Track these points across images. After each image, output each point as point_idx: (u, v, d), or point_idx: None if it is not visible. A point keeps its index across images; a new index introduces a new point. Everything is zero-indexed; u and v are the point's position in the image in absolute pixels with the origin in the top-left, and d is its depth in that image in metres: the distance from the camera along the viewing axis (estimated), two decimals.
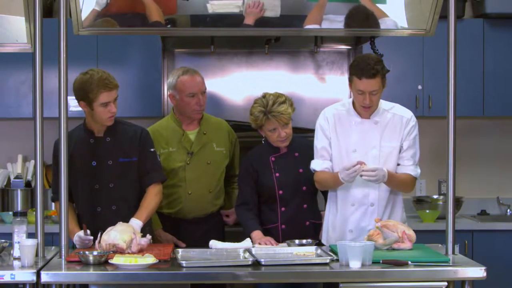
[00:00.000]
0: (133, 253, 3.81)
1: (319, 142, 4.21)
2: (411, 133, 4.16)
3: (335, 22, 4.20)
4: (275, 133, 4.29)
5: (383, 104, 4.18)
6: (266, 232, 4.29)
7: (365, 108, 4.09)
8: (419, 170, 4.20)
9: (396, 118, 4.16)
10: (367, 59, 4.01)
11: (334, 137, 4.18)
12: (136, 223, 4.04)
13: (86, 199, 4.22)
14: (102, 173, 4.19)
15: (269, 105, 4.25)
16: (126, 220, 4.03)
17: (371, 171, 3.96)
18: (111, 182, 4.20)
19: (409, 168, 4.15)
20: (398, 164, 4.16)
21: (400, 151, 4.15)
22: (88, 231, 4.01)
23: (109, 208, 4.20)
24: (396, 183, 4.12)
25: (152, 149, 4.28)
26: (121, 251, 3.82)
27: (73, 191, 4.18)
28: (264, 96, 4.31)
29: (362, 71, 3.98)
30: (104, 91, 4.05)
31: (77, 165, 4.16)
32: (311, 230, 4.37)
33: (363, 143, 4.13)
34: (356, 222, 4.16)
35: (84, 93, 4.07)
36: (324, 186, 4.26)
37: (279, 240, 4.26)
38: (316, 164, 4.21)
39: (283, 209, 4.37)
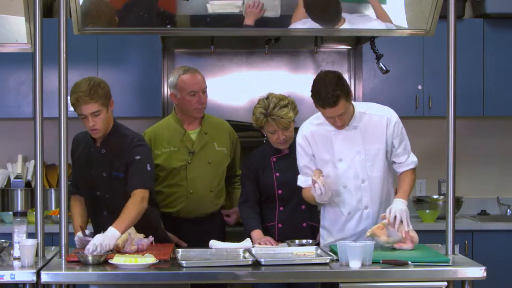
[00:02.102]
0: (130, 252, 3.81)
1: (300, 160, 4.20)
2: (397, 129, 4.09)
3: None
4: (275, 135, 4.30)
5: (358, 107, 4.12)
6: (264, 231, 4.31)
7: (339, 127, 4.06)
8: (415, 158, 4.15)
9: (375, 119, 4.10)
10: (325, 87, 3.87)
11: (316, 152, 4.14)
12: (112, 232, 3.81)
13: (91, 203, 4.24)
14: (99, 183, 4.18)
15: (270, 108, 4.25)
16: None
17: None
18: (106, 193, 4.18)
19: (406, 163, 4.11)
20: (394, 162, 4.13)
21: (391, 150, 4.10)
22: (87, 232, 4.01)
23: (114, 214, 4.16)
24: (411, 190, 4.12)
25: (137, 157, 4.09)
26: (117, 250, 3.83)
27: (82, 191, 4.24)
28: (268, 97, 4.31)
29: (323, 102, 3.90)
30: (77, 103, 3.97)
31: (81, 170, 4.20)
32: (308, 232, 4.38)
33: (347, 150, 4.09)
34: (353, 228, 4.14)
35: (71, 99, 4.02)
36: (313, 203, 4.23)
37: (275, 239, 4.27)
38: (300, 182, 4.22)
39: (281, 208, 4.38)
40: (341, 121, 3.99)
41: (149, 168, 4.11)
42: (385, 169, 4.13)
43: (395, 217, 3.90)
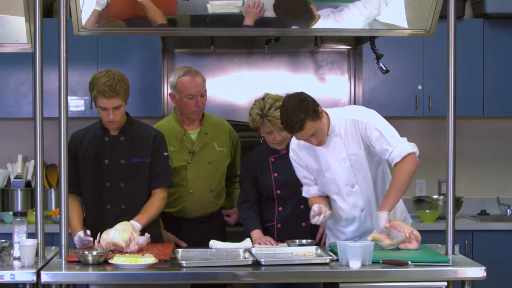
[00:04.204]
0: (132, 252, 3.81)
1: (297, 172, 4.20)
2: (368, 129, 3.97)
3: (335, 21, 4.17)
4: (271, 136, 4.31)
5: (335, 114, 4.06)
6: (263, 231, 4.32)
7: (316, 145, 4.01)
8: (402, 149, 3.90)
9: (350, 123, 4.03)
10: (289, 114, 3.84)
11: (306, 162, 4.14)
12: (135, 225, 4.02)
13: (96, 196, 4.24)
14: (114, 172, 4.21)
15: (266, 109, 4.25)
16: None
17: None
18: (122, 181, 4.21)
19: (391, 158, 3.92)
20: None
21: (370, 153, 4.02)
22: (88, 232, 4.00)
23: (118, 207, 4.20)
24: (400, 190, 3.91)
25: (165, 153, 4.30)
26: (120, 250, 3.82)
27: (83, 186, 4.21)
28: (263, 98, 4.32)
29: (290, 128, 3.88)
30: (101, 97, 4.06)
31: (90, 162, 4.20)
32: (307, 231, 4.37)
33: (333, 159, 4.06)
34: (354, 232, 4.14)
35: (90, 90, 4.12)
36: None
37: (274, 239, 4.27)
38: (304, 192, 4.22)
39: (280, 208, 4.39)
40: (316, 140, 3.96)
41: (170, 164, 4.33)
42: (373, 171, 4.08)
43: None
